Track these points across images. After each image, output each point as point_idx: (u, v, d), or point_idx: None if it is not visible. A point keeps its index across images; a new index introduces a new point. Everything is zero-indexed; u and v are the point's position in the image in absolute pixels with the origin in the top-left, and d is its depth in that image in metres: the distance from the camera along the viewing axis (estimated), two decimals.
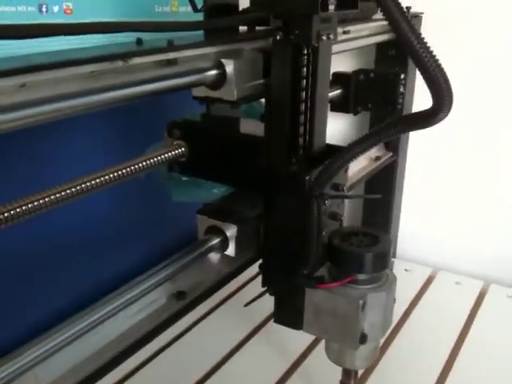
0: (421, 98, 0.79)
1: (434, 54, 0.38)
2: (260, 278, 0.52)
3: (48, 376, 0.38)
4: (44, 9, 0.56)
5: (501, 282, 0.89)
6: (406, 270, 0.91)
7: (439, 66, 0.38)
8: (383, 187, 0.81)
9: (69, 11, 0.59)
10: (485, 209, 0.90)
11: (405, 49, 0.38)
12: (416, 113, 0.41)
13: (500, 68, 0.82)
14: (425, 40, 0.38)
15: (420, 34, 0.38)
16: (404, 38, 0.38)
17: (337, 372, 0.54)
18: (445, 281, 0.89)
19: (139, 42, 0.48)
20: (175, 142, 0.54)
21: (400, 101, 0.78)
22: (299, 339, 0.49)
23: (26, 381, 0.37)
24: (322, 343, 0.54)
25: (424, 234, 0.93)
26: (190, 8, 0.62)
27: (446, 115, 0.40)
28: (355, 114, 0.77)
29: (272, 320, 0.75)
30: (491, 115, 0.84)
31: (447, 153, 0.88)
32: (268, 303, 0.77)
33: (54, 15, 0.57)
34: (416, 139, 0.84)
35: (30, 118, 0.30)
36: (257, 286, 0.51)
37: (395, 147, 0.79)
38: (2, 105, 0.28)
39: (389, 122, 0.42)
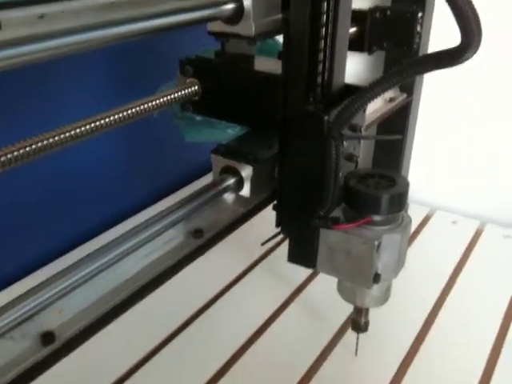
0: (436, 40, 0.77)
1: None
2: None
3: (71, 310, 0.39)
4: None
5: (497, 222, 0.89)
6: None
7: (470, 1, 0.37)
8: (396, 129, 0.80)
9: None
10: (485, 151, 0.90)
11: None
12: (443, 50, 0.40)
13: None
14: None
15: None
16: None
17: (336, 299, 0.55)
18: (441, 220, 0.90)
19: None
20: (188, 80, 0.53)
21: (416, 40, 0.76)
22: (300, 269, 0.51)
23: (50, 313, 0.38)
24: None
25: (421, 173, 0.93)
26: None
27: (475, 53, 0.39)
28: (370, 53, 0.75)
29: (272, 253, 0.78)
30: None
31: (449, 94, 0.88)
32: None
33: None
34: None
35: (49, 50, 0.29)
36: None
37: (410, 88, 0.78)
38: (22, 36, 0.27)
39: (414, 60, 0.41)
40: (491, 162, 0.91)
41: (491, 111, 0.88)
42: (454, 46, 0.39)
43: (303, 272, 0.64)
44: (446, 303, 0.71)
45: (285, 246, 0.52)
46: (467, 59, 0.39)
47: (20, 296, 0.37)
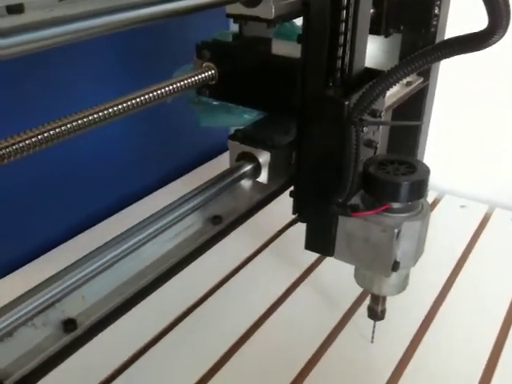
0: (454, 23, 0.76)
1: None
2: None
3: (94, 296, 0.38)
4: None
5: (506, 207, 0.89)
6: None
7: None
8: (411, 113, 0.78)
9: None
10: (494, 135, 0.89)
11: None
12: (469, 33, 0.39)
13: None
14: None
15: None
16: None
17: (345, 281, 0.55)
18: (450, 204, 0.89)
19: None
20: (204, 64, 0.52)
21: (434, 23, 0.74)
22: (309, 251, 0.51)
23: (74, 299, 0.38)
24: None
25: (430, 157, 0.92)
26: None
27: (502, 36, 0.37)
28: (386, 36, 0.73)
29: (281, 235, 0.78)
30: None
31: (458, 78, 0.87)
32: (277, 222, 0.79)
33: None
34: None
35: (69, 34, 0.28)
36: None
37: (426, 72, 0.76)
38: (43, 19, 0.26)
39: (438, 44, 0.40)
40: (501, 147, 0.90)
41: (502, 96, 0.87)
42: (480, 29, 0.38)
43: (312, 254, 0.65)
44: (454, 286, 0.71)
45: (294, 227, 0.51)
46: (494, 43, 0.38)
47: (41, 283, 0.37)
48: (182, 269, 0.43)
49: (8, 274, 0.71)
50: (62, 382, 0.47)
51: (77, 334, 0.36)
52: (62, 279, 0.37)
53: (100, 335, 0.39)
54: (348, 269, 0.53)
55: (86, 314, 0.37)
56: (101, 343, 0.41)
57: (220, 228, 0.46)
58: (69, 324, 0.36)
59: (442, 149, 0.93)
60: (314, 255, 0.72)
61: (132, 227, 0.42)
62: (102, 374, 0.56)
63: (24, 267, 0.72)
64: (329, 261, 0.57)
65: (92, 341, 0.38)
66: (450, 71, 0.82)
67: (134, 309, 0.41)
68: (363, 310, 0.59)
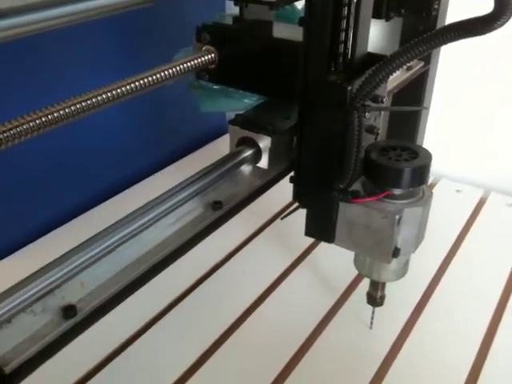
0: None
1: None
2: None
3: (93, 282, 0.38)
4: None
5: (501, 191, 0.89)
6: None
7: None
8: (411, 98, 0.78)
9: None
10: (490, 119, 0.89)
11: None
12: (474, 17, 0.38)
13: None
14: None
15: None
16: None
17: (341, 264, 0.55)
18: (445, 189, 0.89)
19: None
20: (204, 48, 0.51)
21: (435, 6, 0.73)
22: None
23: (73, 286, 0.37)
24: None
25: (426, 142, 0.91)
26: None
27: (508, 20, 0.37)
28: (387, 19, 0.72)
29: (277, 219, 0.78)
30: None
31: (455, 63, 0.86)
32: (273, 205, 0.79)
33: None
34: None
35: (65, 16, 0.28)
36: None
37: (427, 56, 0.75)
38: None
39: (441, 28, 0.39)
40: (496, 131, 0.90)
41: (500, 81, 0.87)
42: (485, 13, 0.37)
43: (309, 238, 0.65)
44: (448, 270, 0.71)
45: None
46: (500, 27, 0.37)
47: (40, 269, 0.37)
48: (183, 254, 0.43)
49: (5, 256, 0.71)
50: (57, 370, 0.48)
51: (77, 321, 0.36)
52: (61, 265, 0.37)
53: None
54: (344, 252, 0.53)
55: (86, 300, 0.37)
56: (97, 326, 0.40)
57: (220, 213, 0.45)
58: (68, 310, 0.36)
59: (437, 133, 0.92)
60: (310, 238, 0.72)
61: (132, 212, 0.42)
62: (99, 356, 0.56)
63: (21, 249, 0.72)
64: (325, 244, 0.58)
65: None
66: (448, 56, 0.82)
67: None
68: (359, 292, 0.59)
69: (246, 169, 0.51)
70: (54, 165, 0.75)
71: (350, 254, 0.54)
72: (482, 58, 0.86)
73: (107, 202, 0.82)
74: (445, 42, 0.40)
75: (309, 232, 0.52)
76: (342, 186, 0.47)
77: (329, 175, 0.47)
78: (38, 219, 0.75)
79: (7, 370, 0.32)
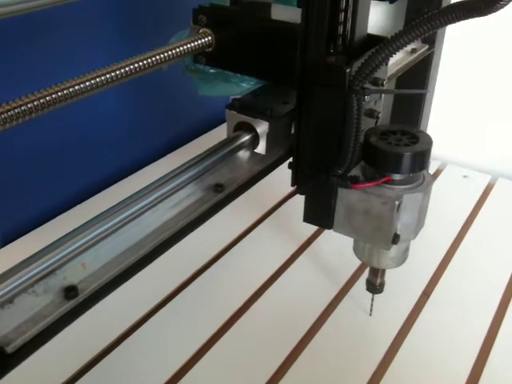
0: None
1: None
2: None
3: (95, 263, 0.38)
4: None
5: (509, 177, 0.88)
6: None
7: None
8: (416, 82, 0.76)
9: None
10: (497, 105, 0.88)
11: None
12: None
13: None
14: None
15: None
16: None
17: (343, 252, 0.54)
18: (452, 174, 0.89)
19: None
20: (201, 30, 0.50)
21: None
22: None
23: (75, 266, 0.37)
24: None
25: (433, 127, 0.90)
26: None
27: (510, 1, 0.36)
28: (391, 1, 0.71)
29: (280, 207, 0.77)
30: None
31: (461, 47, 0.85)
32: (276, 194, 0.79)
33: None
34: None
35: None
36: None
37: (432, 39, 0.74)
38: None
39: (444, 8, 0.38)
40: (504, 117, 0.89)
41: (507, 65, 0.86)
42: None
43: (311, 226, 0.65)
44: (455, 256, 0.71)
45: (293, 199, 0.50)
46: (502, 7, 0.36)
47: (42, 249, 0.36)
48: (184, 236, 0.42)
49: (10, 242, 0.71)
50: (59, 350, 0.47)
51: (78, 301, 0.36)
52: (63, 246, 0.37)
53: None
54: (347, 240, 0.52)
55: (88, 281, 0.37)
56: (100, 310, 0.40)
57: (222, 196, 0.45)
58: (70, 291, 0.36)
59: (444, 118, 0.91)
60: (313, 227, 0.72)
61: (133, 194, 0.41)
62: (103, 342, 0.56)
63: (25, 235, 0.72)
64: (328, 232, 0.58)
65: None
66: (454, 38, 0.80)
67: (134, 276, 0.40)
68: (363, 280, 0.59)
69: (243, 154, 0.50)
70: (56, 152, 0.74)
71: (353, 244, 0.54)
72: (489, 41, 0.85)
73: (111, 188, 0.82)
74: (446, 23, 0.39)
75: (307, 218, 0.52)
76: (340, 171, 0.47)
77: (327, 160, 0.47)
78: (43, 205, 0.75)
79: (9, 349, 0.32)
